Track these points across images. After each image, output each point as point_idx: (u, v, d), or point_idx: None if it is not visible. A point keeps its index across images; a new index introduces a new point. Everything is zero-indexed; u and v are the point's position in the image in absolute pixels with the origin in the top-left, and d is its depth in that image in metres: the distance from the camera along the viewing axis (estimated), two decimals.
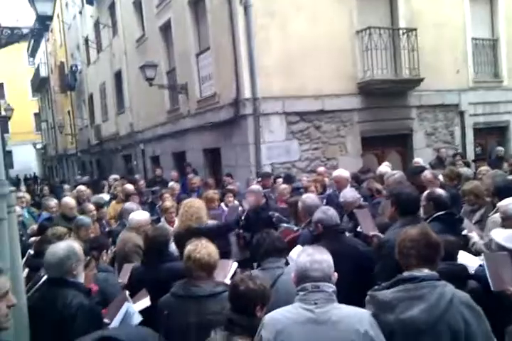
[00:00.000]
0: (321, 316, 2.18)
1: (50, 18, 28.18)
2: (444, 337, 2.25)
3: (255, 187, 6.67)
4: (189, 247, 3.05)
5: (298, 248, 3.80)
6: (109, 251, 4.14)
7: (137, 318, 3.08)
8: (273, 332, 2.21)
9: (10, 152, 40.48)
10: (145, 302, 3.41)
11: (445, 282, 2.35)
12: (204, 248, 3.00)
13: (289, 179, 7.97)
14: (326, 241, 3.58)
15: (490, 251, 3.41)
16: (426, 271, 2.37)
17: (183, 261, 3.12)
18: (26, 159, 41.92)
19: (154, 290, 3.33)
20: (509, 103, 12.57)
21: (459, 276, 2.99)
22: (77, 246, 2.96)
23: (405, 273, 2.42)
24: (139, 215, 5.03)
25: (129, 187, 8.58)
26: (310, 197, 4.78)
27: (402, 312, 2.29)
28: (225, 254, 5.80)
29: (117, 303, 3.17)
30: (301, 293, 2.27)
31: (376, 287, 2.47)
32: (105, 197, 9.38)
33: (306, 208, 4.53)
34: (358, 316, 2.20)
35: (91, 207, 6.63)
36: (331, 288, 2.26)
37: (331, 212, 3.84)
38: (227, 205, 6.72)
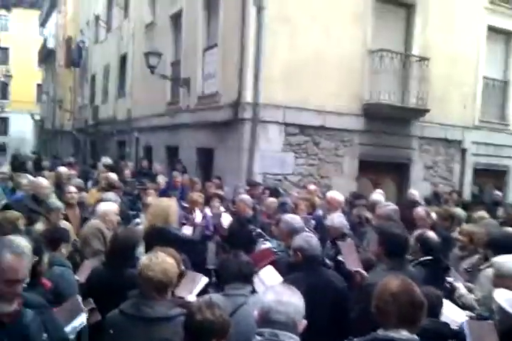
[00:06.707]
0: None
1: None
2: None
3: (245, 196, 6.41)
4: (143, 261, 2.74)
5: (269, 268, 3.58)
6: (69, 245, 3.85)
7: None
8: None
9: (6, 119, 40.12)
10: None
11: None
12: (159, 264, 2.66)
13: (275, 193, 7.70)
14: (304, 271, 3.40)
15: (482, 309, 3.17)
16: (404, 333, 2.11)
17: None
18: (23, 128, 41.45)
19: (113, 296, 2.99)
20: None
21: (441, 336, 2.75)
22: (25, 245, 2.66)
23: (380, 333, 2.15)
24: (107, 205, 5.01)
25: (113, 177, 8.07)
26: (294, 219, 4.49)
27: None
28: (200, 261, 5.64)
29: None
30: (258, 339, 2.01)
31: None
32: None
33: (289, 230, 4.24)
34: None
35: (72, 188, 6.30)
36: (291, 339, 1.99)
37: (314, 241, 3.60)
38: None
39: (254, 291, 3.13)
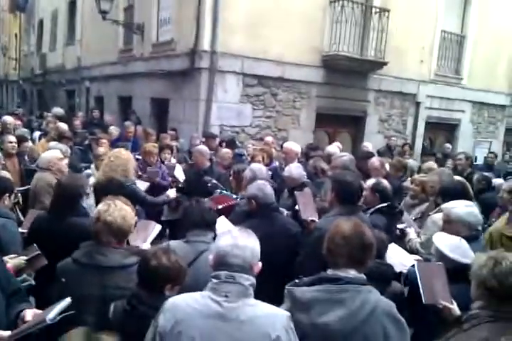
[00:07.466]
0: (228, 312, 1.89)
1: None
2: None
3: (203, 147, 6.27)
4: (100, 207, 2.64)
5: (222, 219, 3.53)
6: (13, 196, 3.64)
7: None
8: (171, 321, 1.92)
9: None
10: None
11: (370, 287, 2.14)
12: (118, 210, 2.59)
13: (231, 144, 7.60)
14: (258, 219, 3.40)
15: (426, 252, 3.26)
16: (353, 273, 2.14)
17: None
18: None
19: (56, 247, 2.87)
20: (464, 102, 12.75)
21: (385, 277, 2.83)
22: None
23: (330, 272, 2.18)
24: (48, 153, 4.80)
25: (63, 126, 7.92)
26: (260, 169, 4.43)
27: (318, 315, 2.07)
28: (156, 213, 5.55)
29: None
30: (214, 281, 1.97)
31: (297, 281, 2.21)
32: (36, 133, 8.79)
33: (252, 179, 4.12)
34: (272, 318, 1.91)
35: (11, 138, 6.00)
36: (248, 280, 1.96)
37: (268, 189, 3.57)
38: (163, 162, 6.31)
39: (216, 238, 3.08)
